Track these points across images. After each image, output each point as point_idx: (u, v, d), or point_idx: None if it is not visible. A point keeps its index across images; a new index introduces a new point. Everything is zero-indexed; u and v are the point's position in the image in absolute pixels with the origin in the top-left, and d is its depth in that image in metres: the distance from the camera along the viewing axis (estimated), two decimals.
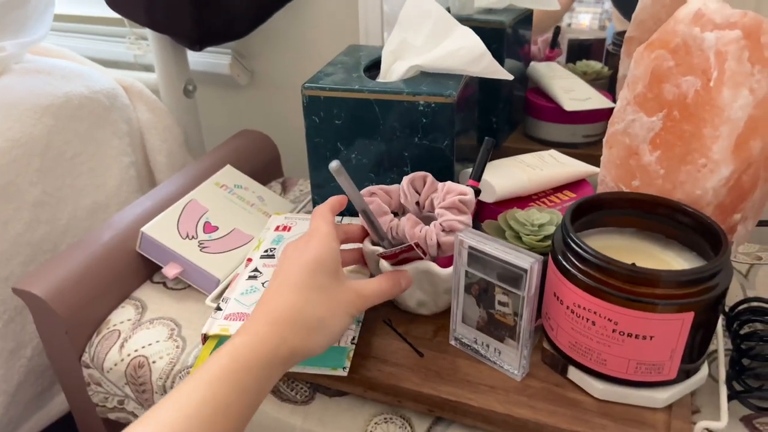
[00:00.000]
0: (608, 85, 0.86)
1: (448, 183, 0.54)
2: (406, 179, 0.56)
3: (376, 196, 0.55)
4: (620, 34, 0.81)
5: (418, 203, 0.57)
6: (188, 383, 0.38)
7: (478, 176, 0.57)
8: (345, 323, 0.45)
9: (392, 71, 0.64)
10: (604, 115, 0.81)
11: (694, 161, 0.49)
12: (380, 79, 0.65)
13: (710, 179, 0.48)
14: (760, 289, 0.62)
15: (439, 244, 0.51)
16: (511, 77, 0.61)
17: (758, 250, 0.68)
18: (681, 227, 0.49)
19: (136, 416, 0.63)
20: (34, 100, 0.77)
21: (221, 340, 0.51)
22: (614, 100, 0.80)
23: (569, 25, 0.90)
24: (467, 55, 0.60)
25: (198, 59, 1.01)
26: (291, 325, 0.42)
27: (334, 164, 0.46)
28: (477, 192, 0.56)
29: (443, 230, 0.51)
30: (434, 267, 0.52)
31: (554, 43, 0.89)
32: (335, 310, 0.44)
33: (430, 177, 0.56)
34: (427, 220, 0.54)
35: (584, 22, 0.90)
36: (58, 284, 0.60)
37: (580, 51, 0.90)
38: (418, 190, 0.56)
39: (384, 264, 0.52)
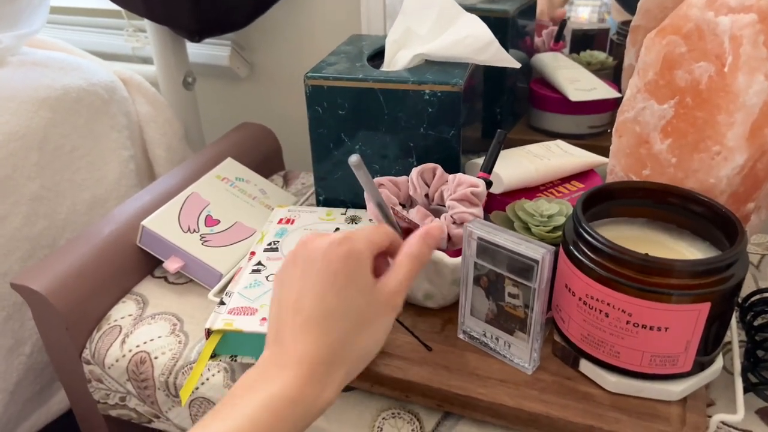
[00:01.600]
0: (612, 76, 0.85)
1: (459, 175, 0.53)
2: (415, 171, 0.55)
3: (384, 188, 0.54)
4: (625, 24, 0.80)
5: (427, 195, 0.56)
6: None
7: (489, 168, 0.56)
8: (384, 338, 0.41)
9: (396, 60, 0.63)
10: (610, 105, 0.80)
11: (708, 149, 0.48)
12: (384, 68, 0.64)
13: (724, 167, 0.47)
14: None
15: (449, 237, 0.50)
16: (518, 65, 0.60)
17: None
18: (694, 217, 0.48)
19: (138, 413, 0.62)
20: (31, 93, 0.76)
21: (225, 335, 0.50)
22: (619, 90, 0.79)
23: (568, 18, 0.89)
24: (474, 43, 0.59)
25: (197, 51, 1.00)
26: (332, 364, 0.38)
27: (354, 158, 0.45)
28: (488, 184, 0.55)
29: (454, 222, 0.50)
30: (441, 256, 0.51)
31: (559, 36, 0.88)
32: (376, 332, 0.40)
33: (439, 169, 0.55)
34: (436, 212, 0.53)
35: (583, 15, 0.89)
36: (58, 279, 0.59)
37: (584, 41, 0.89)
38: (428, 182, 0.55)
39: None
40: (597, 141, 0.79)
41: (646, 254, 0.42)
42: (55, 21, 1.12)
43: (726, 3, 0.46)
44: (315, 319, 0.38)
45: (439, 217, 0.51)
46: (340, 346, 0.38)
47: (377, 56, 0.67)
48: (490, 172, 0.56)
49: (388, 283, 0.41)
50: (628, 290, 0.42)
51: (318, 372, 0.37)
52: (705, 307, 0.41)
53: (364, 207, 0.62)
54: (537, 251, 0.43)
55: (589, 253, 0.44)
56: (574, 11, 0.89)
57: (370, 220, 0.61)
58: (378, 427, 0.49)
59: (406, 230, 0.50)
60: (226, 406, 0.36)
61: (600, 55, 0.87)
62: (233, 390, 0.37)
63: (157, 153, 0.92)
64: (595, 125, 0.81)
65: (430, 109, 0.58)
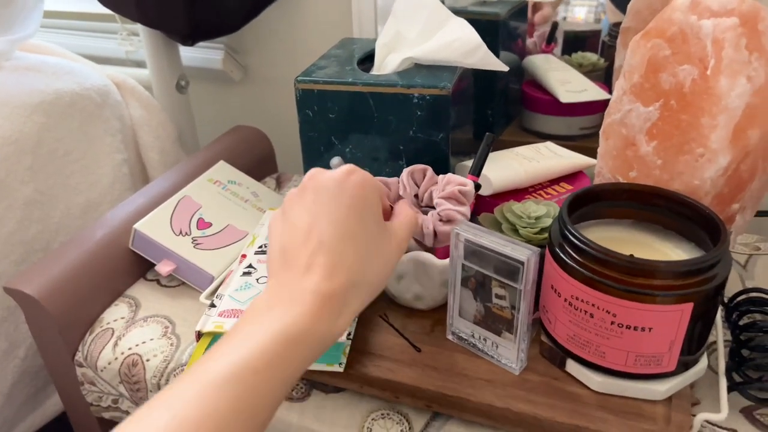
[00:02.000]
0: (604, 77, 0.85)
1: (449, 174, 0.53)
2: (405, 171, 0.56)
3: None
4: (616, 25, 0.81)
5: (417, 196, 0.56)
6: (223, 371, 0.31)
7: (477, 171, 0.56)
8: (391, 273, 0.41)
9: (386, 64, 0.63)
10: (601, 107, 0.80)
11: (692, 151, 0.48)
12: (374, 72, 0.64)
13: (708, 169, 0.48)
14: (758, 280, 0.62)
15: (436, 234, 0.51)
16: (506, 69, 0.60)
17: (757, 240, 0.68)
18: (679, 218, 0.49)
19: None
20: (24, 98, 0.76)
21: (215, 337, 0.50)
22: (610, 92, 0.80)
23: (564, 18, 0.89)
24: (462, 46, 0.59)
25: (191, 55, 1.00)
26: (348, 293, 0.36)
27: (335, 160, 0.46)
28: (477, 187, 0.56)
29: (441, 220, 0.51)
30: (430, 258, 0.51)
31: (551, 38, 0.88)
32: (386, 263, 0.39)
33: (430, 170, 0.55)
34: (426, 213, 0.54)
35: (579, 15, 0.89)
36: (51, 283, 0.60)
37: (576, 43, 0.89)
38: (418, 183, 0.56)
39: None
40: (588, 142, 0.79)
41: (631, 255, 0.43)
42: (49, 25, 1.12)
43: (708, 7, 0.46)
44: (330, 245, 0.36)
45: (427, 214, 0.52)
46: (355, 274, 0.36)
47: (367, 59, 0.67)
48: (478, 175, 0.57)
49: (396, 226, 0.41)
50: (612, 291, 0.42)
51: (334, 301, 0.35)
52: (688, 308, 0.42)
53: None
54: (522, 253, 0.44)
55: (574, 254, 0.44)
56: (570, 11, 0.89)
57: None
58: (368, 428, 0.50)
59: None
60: (237, 336, 0.33)
61: (591, 57, 0.87)
62: (244, 319, 0.35)
63: (150, 156, 0.92)
64: (586, 127, 0.81)
65: (419, 113, 0.58)
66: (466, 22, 0.60)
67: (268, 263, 0.39)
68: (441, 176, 0.55)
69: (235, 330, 0.34)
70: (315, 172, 0.40)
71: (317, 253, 0.36)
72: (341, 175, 0.39)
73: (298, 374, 0.34)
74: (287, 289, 0.35)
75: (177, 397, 0.30)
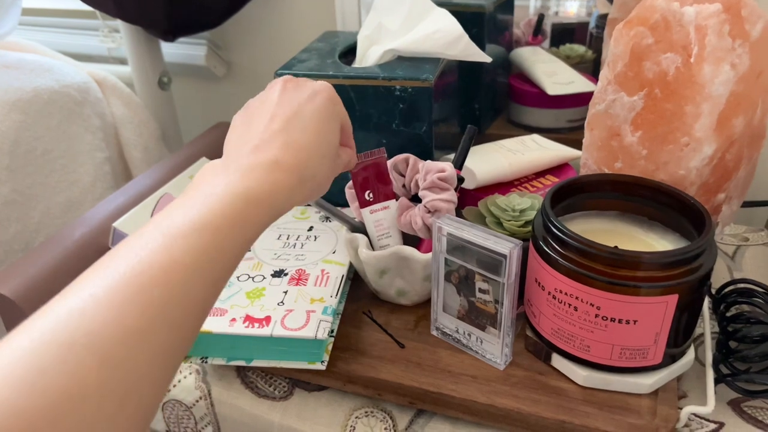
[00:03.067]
0: (592, 69, 0.85)
1: (427, 162, 0.53)
2: (389, 163, 0.55)
3: None
4: (603, 17, 0.80)
5: (405, 186, 0.55)
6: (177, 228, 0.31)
7: (460, 164, 0.56)
8: (327, 188, 0.42)
9: (368, 56, 0.62)
10: (588, 98, 0.79)
11: (677, 140, 0.47)
12: (356, 64, 0.63)
13: (693, 158, 0.47)
14: (747, 271, 0.61)
15: (427, 227, 0.50)
16: (489, 60, 0.59)
17: (745, 231, 0.67)
18: (664, 208, 0.48)
19: None
20: (1, 95, 0.75)
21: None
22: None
23: (556, 13, 0.89)
24: (444, 37, 0.58)
25: (173, 51, 0.99)
26: (302, 177, 0.38)
27: None
28: (460, 180, 0.55)
29: (428, 212, 0.50)
30: (413, 252, 0.50)
31: (538, 30, 0.88)
32: (327, 174, 0.41)
33: (412, 158, 0.54)
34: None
35: (572, 10, 0.89)
36: (28, 284, 0.58)
37: (564, 35, 0.88)
38: (402, 173, 0.55)
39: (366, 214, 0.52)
40: (576, 135, 0.78)
41: (615, 247, 0.42)
42: (30, 23, 1.11)
43: None
44: (293, 130, 0.38)
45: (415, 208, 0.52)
46: (312, 161, 0.38)
47: (350, 53, 0.66)
48: (461, 168, 0.56)
49: (341, 152, 0.44)
50: (596, 284, 0.41)
51: (293, 175, 0.37)
52: (673, 299, 0.41)
53: (337, 204, 0.62)
54: (504, 246, 0.43)
55: (557, 247, 0.43)
56: (561, 5, 0.89)
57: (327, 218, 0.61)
58: (351, 426, 0.49)
59: (372, 164, 0.51)
60: (196, 197, 0.33)
61: (579, 49, 0.86)
62: (199, 181, 0.35)
63: (133, 155, 0.91)
64: (573, 119, 0.80)
65: (401, 105, 0.57)
66: (448, 13, 0.59)
67: (225, 145, 0.40)
68: (422, 164, 0.54)
69: (191, 192, 0.35)
70: (291, 77, 0.42)
71: (280, 132, 0.38)
72: (321, 86, 0.41)
73: (255, 237, 0.35)
74: (245, 158, 0.36)
75: (142, 246, 0.30)
